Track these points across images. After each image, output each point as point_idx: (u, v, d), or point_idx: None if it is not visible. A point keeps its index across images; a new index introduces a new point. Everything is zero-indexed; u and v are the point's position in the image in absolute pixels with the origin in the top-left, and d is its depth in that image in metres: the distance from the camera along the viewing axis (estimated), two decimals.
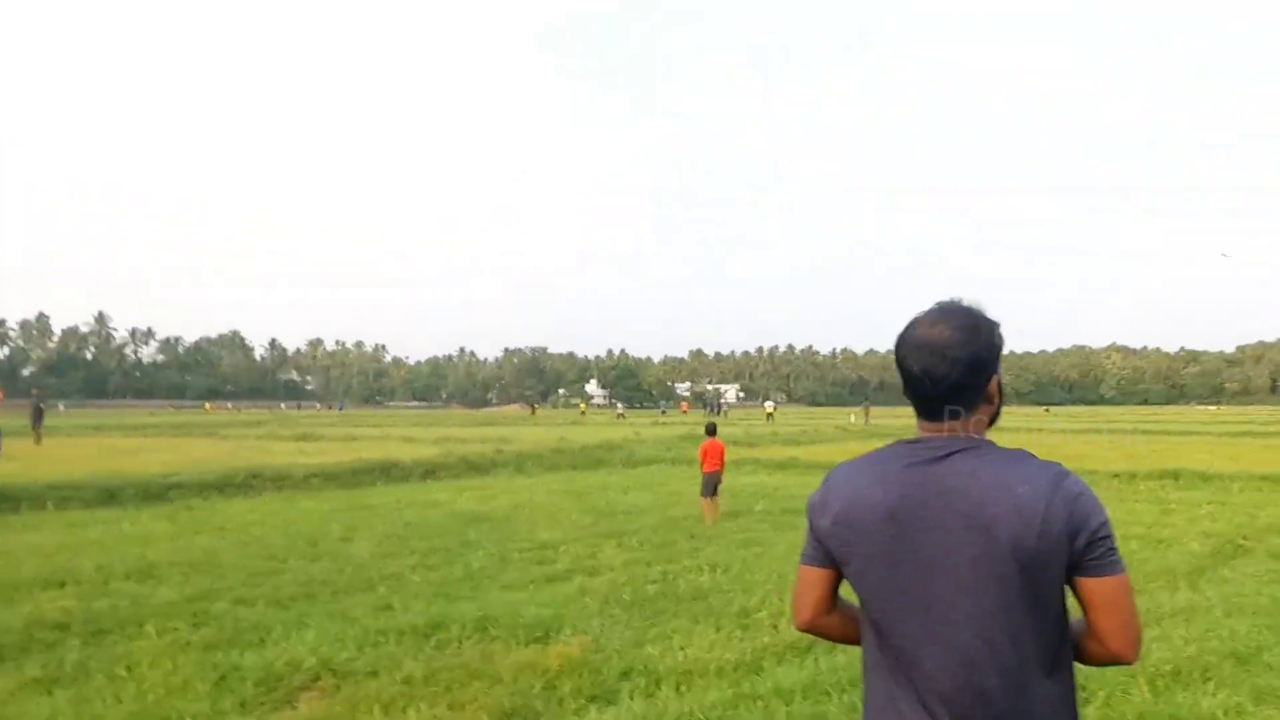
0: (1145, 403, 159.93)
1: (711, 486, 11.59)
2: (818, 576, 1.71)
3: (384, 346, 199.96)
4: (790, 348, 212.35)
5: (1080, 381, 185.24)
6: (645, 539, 10.01)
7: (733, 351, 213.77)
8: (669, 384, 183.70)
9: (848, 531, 1.62)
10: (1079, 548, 1.48)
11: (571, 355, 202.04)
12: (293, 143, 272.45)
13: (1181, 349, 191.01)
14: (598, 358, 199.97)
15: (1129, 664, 1.58)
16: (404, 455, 19.88)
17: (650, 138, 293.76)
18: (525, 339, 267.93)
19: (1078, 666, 1.60)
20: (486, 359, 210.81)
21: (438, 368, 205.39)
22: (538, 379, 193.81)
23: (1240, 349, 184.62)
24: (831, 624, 1.74)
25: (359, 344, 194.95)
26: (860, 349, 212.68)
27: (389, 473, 17.55)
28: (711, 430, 12.24)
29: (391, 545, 9.57)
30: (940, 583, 1.53)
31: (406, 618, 6.31)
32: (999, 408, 1.68)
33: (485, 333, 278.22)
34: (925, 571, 1.54)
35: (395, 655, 5.46)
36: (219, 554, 8.99)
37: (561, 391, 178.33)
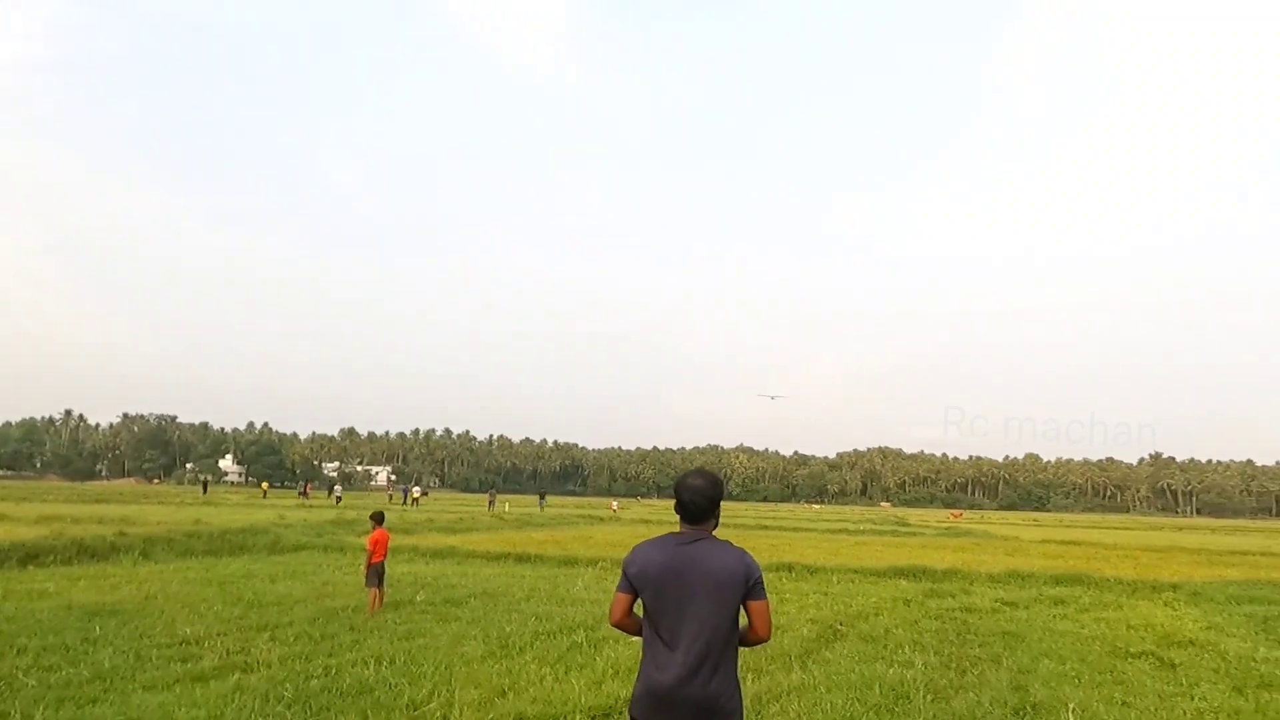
0: (765, 499, 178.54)
1: (378, 577, 11.36)
2: (625, 598, 3.36)
3: None
4: (447, 432, 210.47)
5: None
6: (302, 631, 9.59)
7: (387, 432, 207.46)
8: (315, 463, 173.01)
9: (643, 576, 3.29)
10: (749, 586, 3.25)
11: (205, 426, 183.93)
12: None
13: (795, 453, 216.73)
14: (236, 430, 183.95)
15: (766, 642, 3.47)
16: None
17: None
18: (149, 404, 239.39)
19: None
20: (98, 424, 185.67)
21: (33, 430, 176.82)
22: (162, 450, 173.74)
23: (840, 455, 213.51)
24: (629, 623, 3.41)
25: None
26: (516, 437, 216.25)
27: None
28: (379, 519, 12.05)
29: None
30: (692, 601, 3.21)
31: None
32: (719, 521, 3.44)
33: (98, 393, 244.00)
34: (683, 596, 3.22)
35: None
36: None
37: (190, 466, 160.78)
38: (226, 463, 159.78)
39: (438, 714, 6.38)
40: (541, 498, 66.24)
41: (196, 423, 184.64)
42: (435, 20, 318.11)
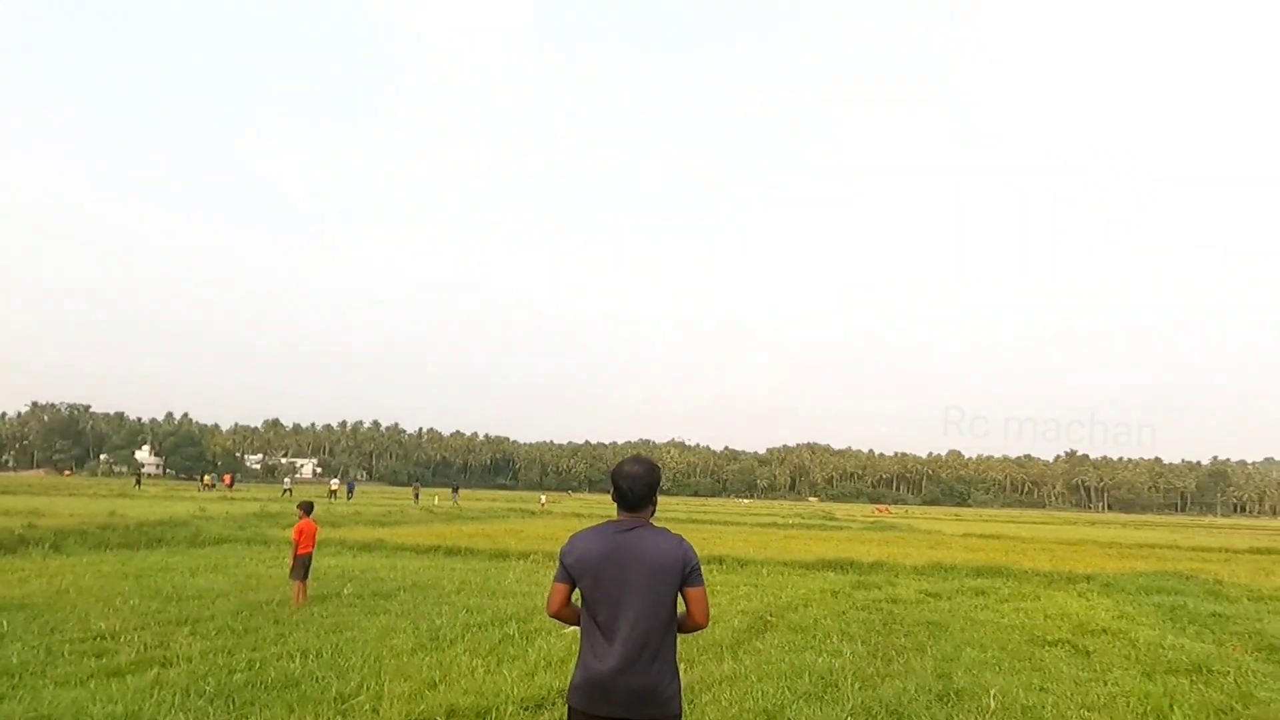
0: (696, 494, 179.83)
1: (304, 569, 11.11)
2: (563, 588, 3.33)
3: None
4: (375, 424, 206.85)
5: None
6: (225, 625, 9.33)
7: (313, 424, 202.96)
8: (237, 455, 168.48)
9: (581, 565, 3.26)
10: (686, 573, 3.25)
11: (121, 416, 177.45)
12: None
13: (726, 448, 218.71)
14: (153, 421, 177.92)
15: (704, 629, 3.52)
16: None
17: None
18: (61, 393, 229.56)
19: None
20: (5, 413, 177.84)
21: None
22: (74, 441, 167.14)
23: (770, 451, 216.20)
24: (567, 613, 3.37)
25: None
26: (446, 430, 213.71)
27: None
28: (308, 509, 11.79)
29: None
30: (630, 589, 3.19)
31: None
32: (656, 508, 3.42)
33: (4, 381, 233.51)
34: (621, 583, 3.20)
35: None
36: None
37: (105, 457, 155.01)
38: (143, 454, 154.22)
39: (366, 707, 6.27)
40: (455, 490, 65.17)
41: (111, 413, 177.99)
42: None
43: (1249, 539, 42.39)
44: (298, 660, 7.68)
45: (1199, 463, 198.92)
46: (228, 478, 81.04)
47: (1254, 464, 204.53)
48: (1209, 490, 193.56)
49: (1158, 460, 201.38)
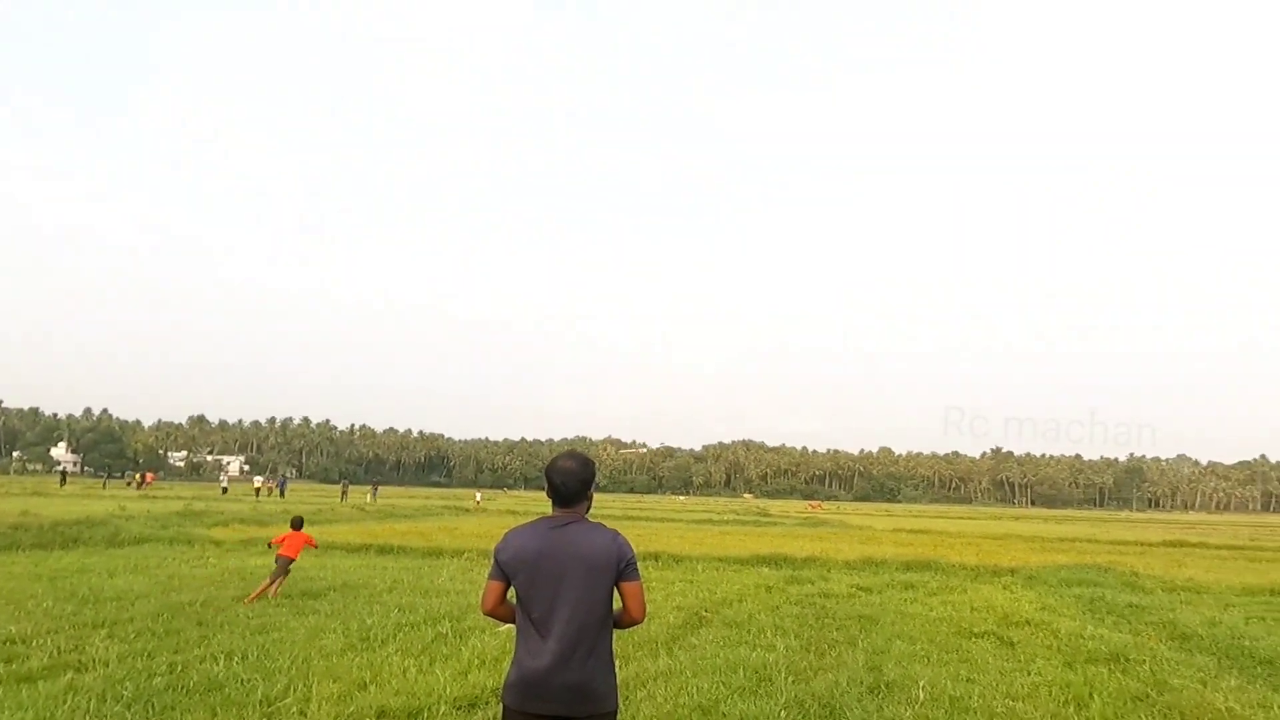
0: (631, 490, 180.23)
1: (285, 569, 11.20)
2: (497, 585, 3.30)
3: None
4: (305, 421, 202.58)
5: None
6: (144, 628, 9.00)
7: (240, 420, 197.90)
8: (160, 452, 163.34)
9: (515, 561, 3.22)
10: (622, 567, 3.22)
11: (35, 412, 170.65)
12: None
13: (662, 445, 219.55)
14: (71, 417, 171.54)
15: (640, 624, 3.43)
16: None
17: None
18: None
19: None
20: None
21: None
22: None
23: (705, 448, 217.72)
24: (502, 611, 3.34)
25: None
26: (380, 427, 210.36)
27: None
28: (298, 525, 11.99)
29: None
30: (565, 585, 3.16)
31: None
32: (591, 504, 3.40)
33: None
34: (556, 580, 3.17)
35: None
36: None
37: (17, 454, 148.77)
38: (59, 451, 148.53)
39: (294, 709, 6.11)
40: (374, 488, 63.22)
41: (25, 408, 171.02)
42: None
43: (1162, 533, 44.10)
44: (222, 662, 7.44)
45: (1117, 459, 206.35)
46: (150, 476, 78.12)
47: (1167, 460, 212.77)
48: (1125, 486, 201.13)
49: (1078, 457, 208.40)
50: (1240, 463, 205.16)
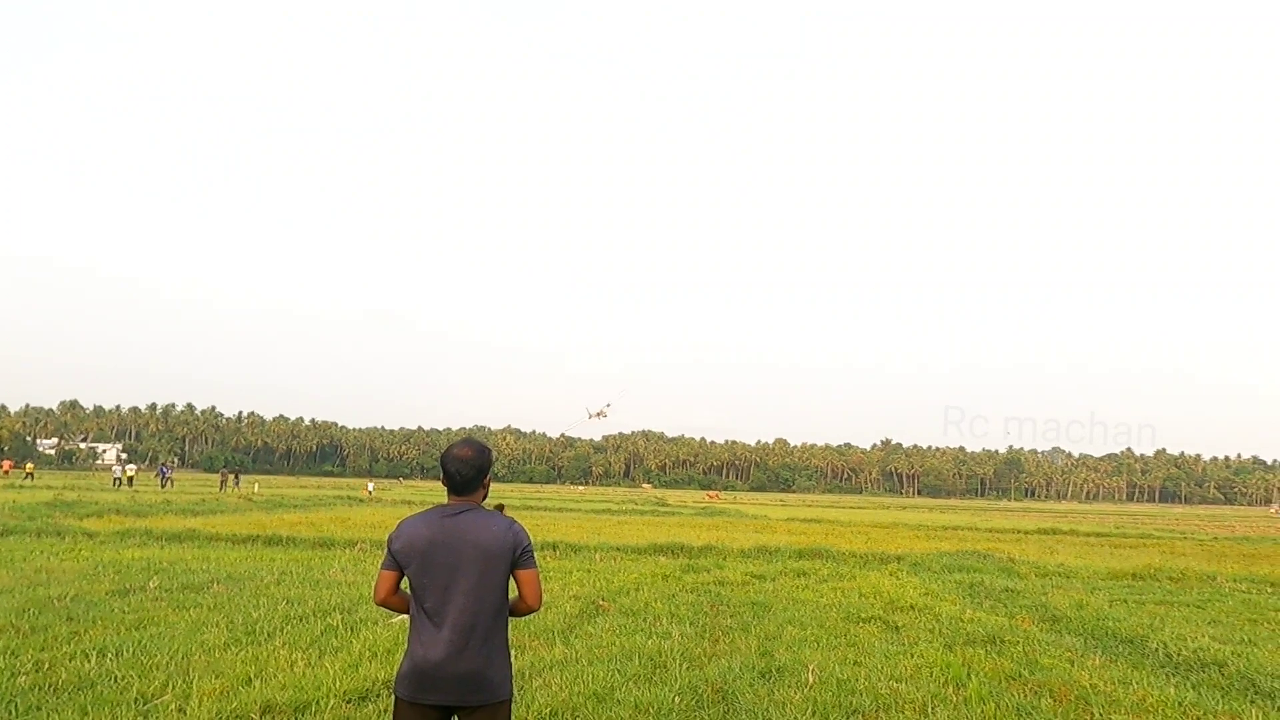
0: (531, 480, 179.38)
1: None
2: (390, 575, 3.25)
3: None
4: (189, 407, 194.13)
5: None
6: (7, 624, 8.46)
7: (118, 406, 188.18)
8: (29, 439, 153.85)
9: (408, 550, 3.18)
10: (517, 555, 3.23)
11: None
12: None
13: (561, 435, 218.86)
14: None
15: (536, 612, 3.46)
16: None
17: None
18: None
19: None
20: None
21: None
22: None
23: (605, 438, 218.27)
24: (395, 601, 3.31)
25: None
26: (269, 414, 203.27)
27: None
28: None
29: None
30: (459, 574, 3.14)
31: None
32: (488, 492, 3.38)
33: None
34: (449, 569, 3.15)
35: None
36: None
37: None
38: None
39: (172, 706, 5.86)
40: (236, 477, 56.84)
41: None
42: None
43: (1036, 521, 46.52)
44: (94, 659, 7.07)
45: (997, 452, 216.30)
46: (8, 464, 72.73)
47: (1043, 453, 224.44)
48: (1005, 477, 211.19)
49: (962, 449, 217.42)
50: (1108, 455, 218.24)
